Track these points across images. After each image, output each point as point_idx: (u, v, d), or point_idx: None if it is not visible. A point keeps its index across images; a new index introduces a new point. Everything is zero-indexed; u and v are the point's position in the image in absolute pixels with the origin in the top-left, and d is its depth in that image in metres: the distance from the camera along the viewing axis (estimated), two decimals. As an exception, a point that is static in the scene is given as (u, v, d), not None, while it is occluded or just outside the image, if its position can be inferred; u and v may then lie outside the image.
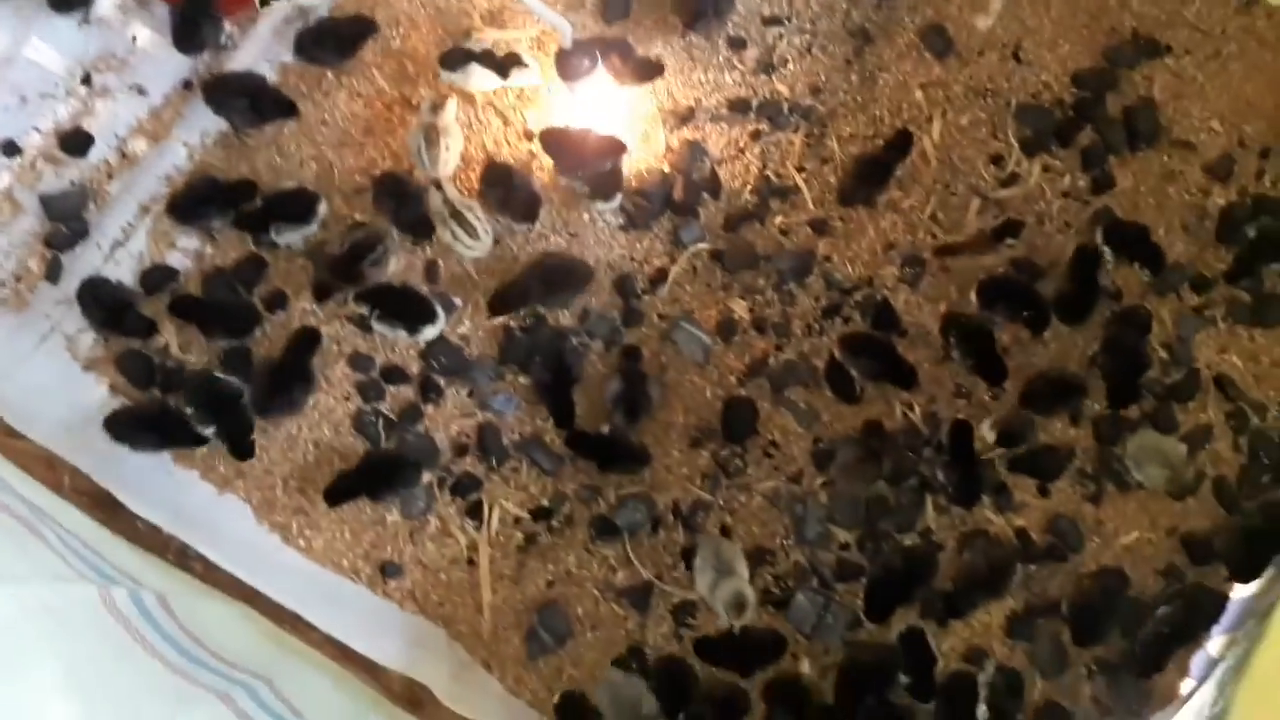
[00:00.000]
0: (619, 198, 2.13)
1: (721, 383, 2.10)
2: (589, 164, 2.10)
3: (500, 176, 2.09)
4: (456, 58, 2.11)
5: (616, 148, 2.10)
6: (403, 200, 2.08)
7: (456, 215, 2.07)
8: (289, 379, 2.02)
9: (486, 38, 2.18)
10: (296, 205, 2.08)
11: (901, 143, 2.14)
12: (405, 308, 2.04)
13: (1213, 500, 2.02)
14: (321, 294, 2.06)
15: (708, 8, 2.17)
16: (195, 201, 2.08)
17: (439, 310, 2.04)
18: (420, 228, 2.09)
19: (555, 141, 2.10)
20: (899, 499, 2.02)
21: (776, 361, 2.10)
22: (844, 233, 2.16)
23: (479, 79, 2.11)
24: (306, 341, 2.03)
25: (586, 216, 2.15)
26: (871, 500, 2.02)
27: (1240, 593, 1.95)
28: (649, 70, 2.15)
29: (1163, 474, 1.99)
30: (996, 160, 2.19)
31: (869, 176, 2.16)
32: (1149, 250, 2.10)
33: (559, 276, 2.08)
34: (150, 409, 2.02)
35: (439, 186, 2.08)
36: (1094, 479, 2.03)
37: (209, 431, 1.98)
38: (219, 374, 2.02)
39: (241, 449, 1.98)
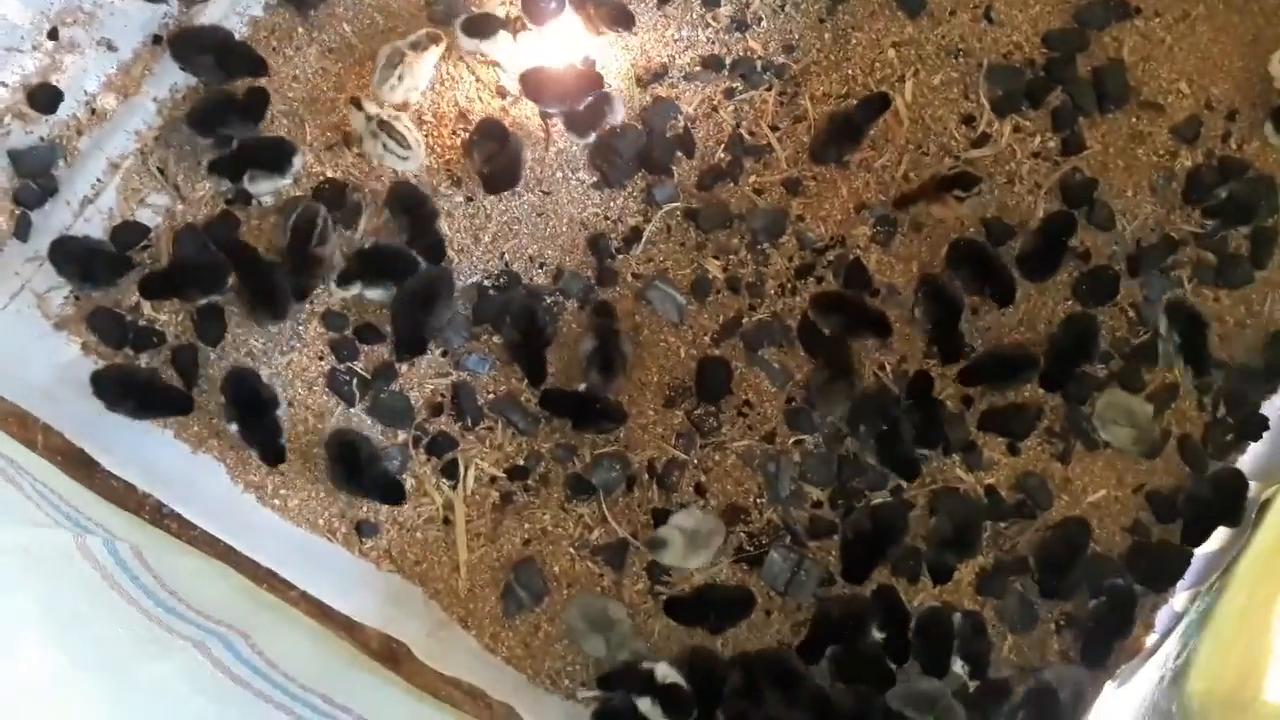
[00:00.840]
0: (594, 135, 2.06)
1: (696, 342, 2.05)
2: (568, 98, 2.02)
3: (494, 131, 2.02)
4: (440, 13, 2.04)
5: (594, 80, 2.03)
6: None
7: (385, 126, 1.99)
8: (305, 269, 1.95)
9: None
10: (274, 154, 1.99)
11: (878, 103, 2.08)
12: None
13: (1178, 459, 2.00)
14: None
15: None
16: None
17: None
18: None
19: (534, 80, 2.02)
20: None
21: (750, 321, 2.05)
22: (817, 192, 2.11)
23: (465, 41, 2.04)
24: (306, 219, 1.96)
25: (560, 174, 2.09)
26: (843, 458, 1.98)
27: (1204, 548, 1.94)
28: (621, 18, 2.07)
29: (1129, 433, 1.96)
30: (968, 120, 2.14)
31: (842, 135, 2.10)
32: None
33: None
34: (139, 375, 1.95)
35: (359, 105, 2.00)
36: (1062, 437, 2.01)
37: (232, 428, 1.92)
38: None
39: (272, 454, 1.92)
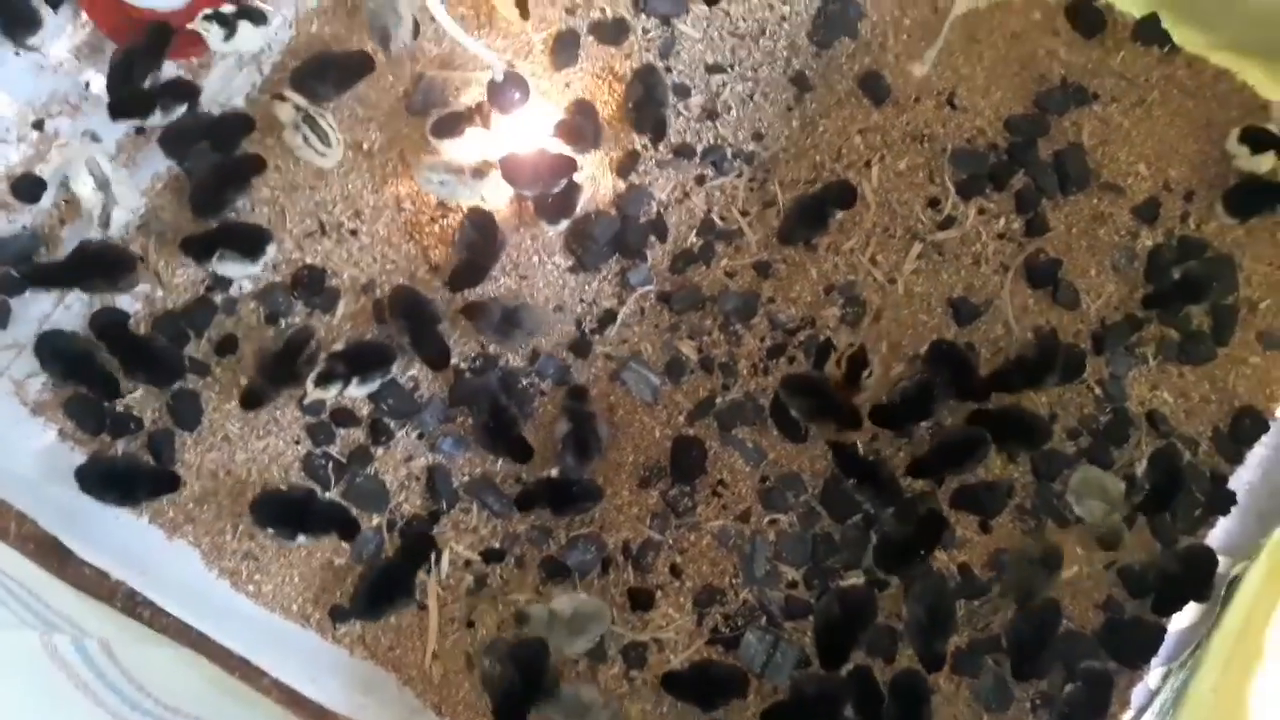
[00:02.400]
0: (566, 224, 2.00)
1: (670, 422, 1.97)
2: (544, 181, 1.96)
3: (482, 222, 1.96)
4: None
5: (568, 165, 1.96)
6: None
7: (310, 120, 1.92)
8: (285, 378, 1.86)
9: (438, 77, 2.05)
10: (249, 239, 1.91)
11: (844, 191, 2.03)
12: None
13: (1149, 534, 1.92)
14: (252, 402, 1.87)
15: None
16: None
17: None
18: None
19: (510, 166, 1.95)
20: (844, 536, 1.90)
21: (724, 401, 1.98)
22: (787, 275, 2.05)
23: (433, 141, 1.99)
24: (299, 341, 1.88)
25: (537, 259, 2.03)
26: (818, 538, 1.90)
27: (1177, 624, 1.86)
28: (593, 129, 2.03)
29: (1101, 507, 1.89)
30: (933, 203, 2.09)
31: (810, 220, 2.05)
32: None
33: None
34: (118, 463, 1.86)
35: (283, 97, 1.93)
36: (1034, 514, 1.93)
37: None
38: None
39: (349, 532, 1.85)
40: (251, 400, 1.87)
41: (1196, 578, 1.86)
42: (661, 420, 1.97)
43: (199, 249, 1.91)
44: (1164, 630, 1.86)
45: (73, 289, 1.90)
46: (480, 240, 1.95)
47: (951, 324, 2.03)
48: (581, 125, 2.01)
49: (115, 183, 1.89)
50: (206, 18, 1.92)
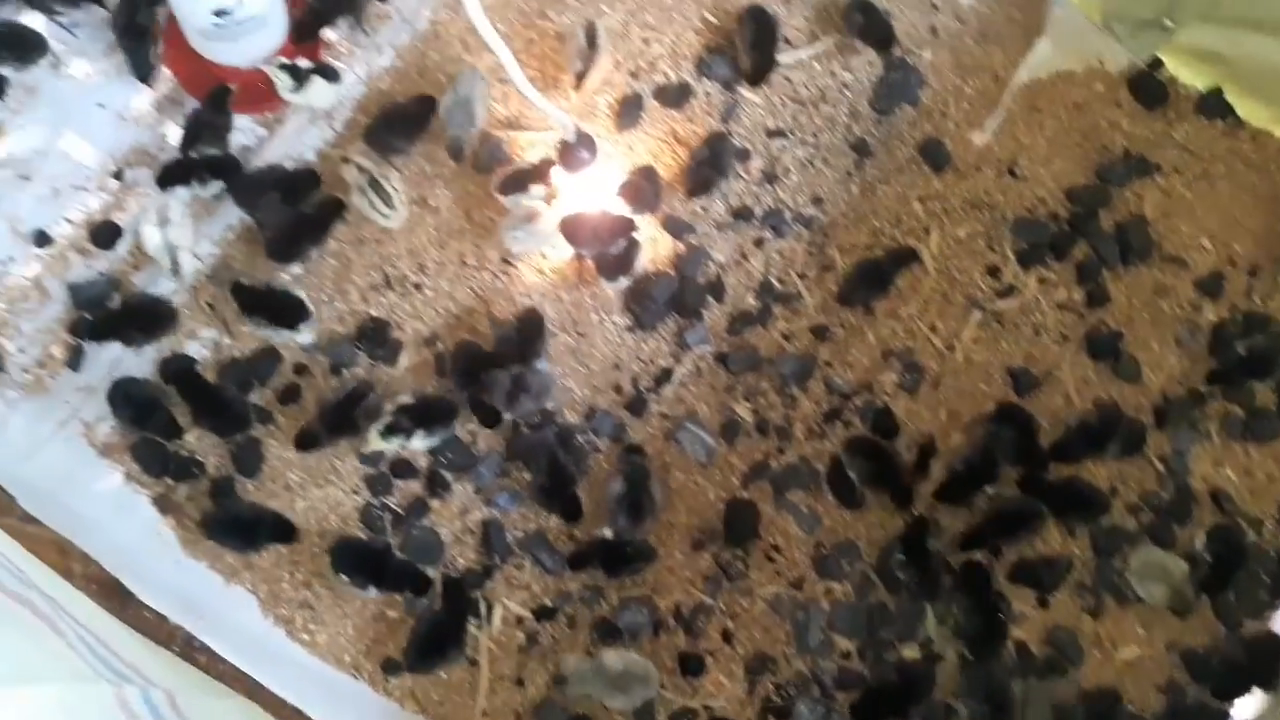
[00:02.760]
0: (625, 282, 1.99)
1: (724, 484, 1.95)
2: (603, 241, 1.96)
3: (529, 323, 1.96)
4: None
5: (627, 226, 1.97)
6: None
7: (374, 184, 1.94)
8: (342, 427, 1.87)
9: (504, 136, 2.07)
10: (286, 311, 1.92)
11: (906, 256, 2.03)
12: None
13: (1212, 616, 1.87)
14: (306, 444, 1.89)
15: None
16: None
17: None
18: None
19: (571, 225, 1.96)
20: (900, 607, 1.86)
21: (779, 464, 1.95)
22: (844, 339, 2.04)
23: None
24: (360, 393, 1.89)
25: (595, 317, 2.03)
26: (873, 609, 1.86)
27: (1241, 712, 1.80)
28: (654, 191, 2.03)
29: (1164, 590, 1.84)
30: (993, 271, 2.07)
31: (869, 284, 2.04)
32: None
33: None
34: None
35: (348, 159, 1.95)
36: (1093, 591, 1.87)
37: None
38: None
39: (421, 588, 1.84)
40: (306, 442, 1.88)
41: (1262, 664, 1.79)
42: (716, 482, 1.95)
43: (245, 300, 1.94)
44: (1228, 717, 1.79)
45: (114, 341, 1.92)
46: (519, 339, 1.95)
47: (1011, 393, 1.99)
48: (643, 187, 2.02)
49: (184, 234, 1.91)
50: (280, 66, 1.96)
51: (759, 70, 2.08)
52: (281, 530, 1.85)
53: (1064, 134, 2.15)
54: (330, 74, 2.00)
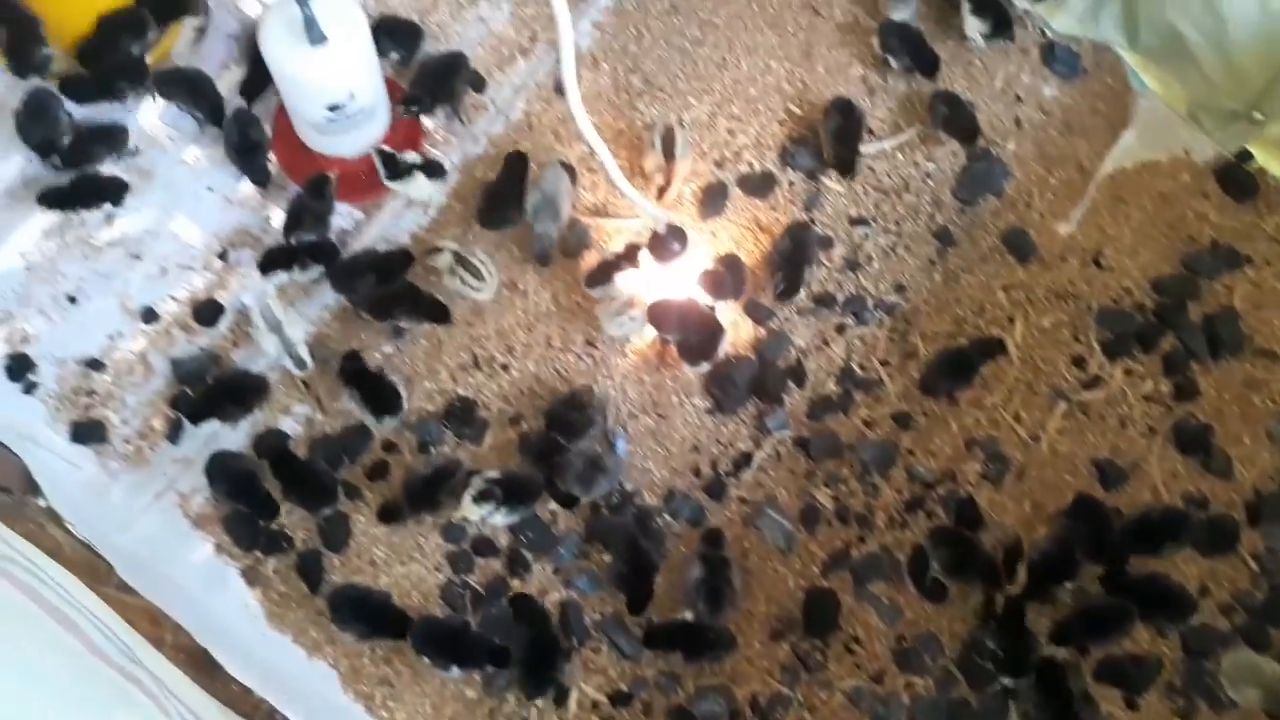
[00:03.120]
0: (707, 366, 2.01)
1: (804, 572, 1.93)
2: (688, 331, 1.99)
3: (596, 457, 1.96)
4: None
5: (714, 324, 1.99)
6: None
7: (463, 262, 1.98)
8: (424, 502, 1.91)
9: (591, 223, 2.12)
10: (382, 397, 1.96)
11: (991, 346, 2.02)
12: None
13: (1311, 722, 1.79)
14: (389, 517, 1.93)
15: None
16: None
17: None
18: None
19: (657, 311, 1.98)
20: (983, 704, 1.82)
21: (859, 553, 1.93)
22: (927, 427, 2.02)
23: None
24: (447, 471, 1.92)
25: (676, 399, 2.04)
26: (955, 705, 1.82)
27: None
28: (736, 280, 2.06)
29: (1258, 694, 1.77)
30: (1079, 362, 2.05)
31: (953, 372, 2.03)
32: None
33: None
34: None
35: (439, 248, 2.01)
36: (1184, 694, 1.81)
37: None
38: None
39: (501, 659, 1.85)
40: (388, 515, 1.92)
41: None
42: (795, 570, 1.94)
43: (348, 376, 1.99)
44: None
45: (211, 416, 1.97)
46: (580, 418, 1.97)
47: (1097, 486, 1.95)
48: (726, 276, 2.04)
49: (286, 322, 1.97)
50: (381, 154, 2.02)
51: (844, 161, 2.10)
52: (399, 625, 1.87)
53: (1150, 225, 2.14)
54: (436, 171, 2.06)
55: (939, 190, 2.15)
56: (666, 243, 2.01)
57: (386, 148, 2.03)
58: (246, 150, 2.08)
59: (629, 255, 2.02)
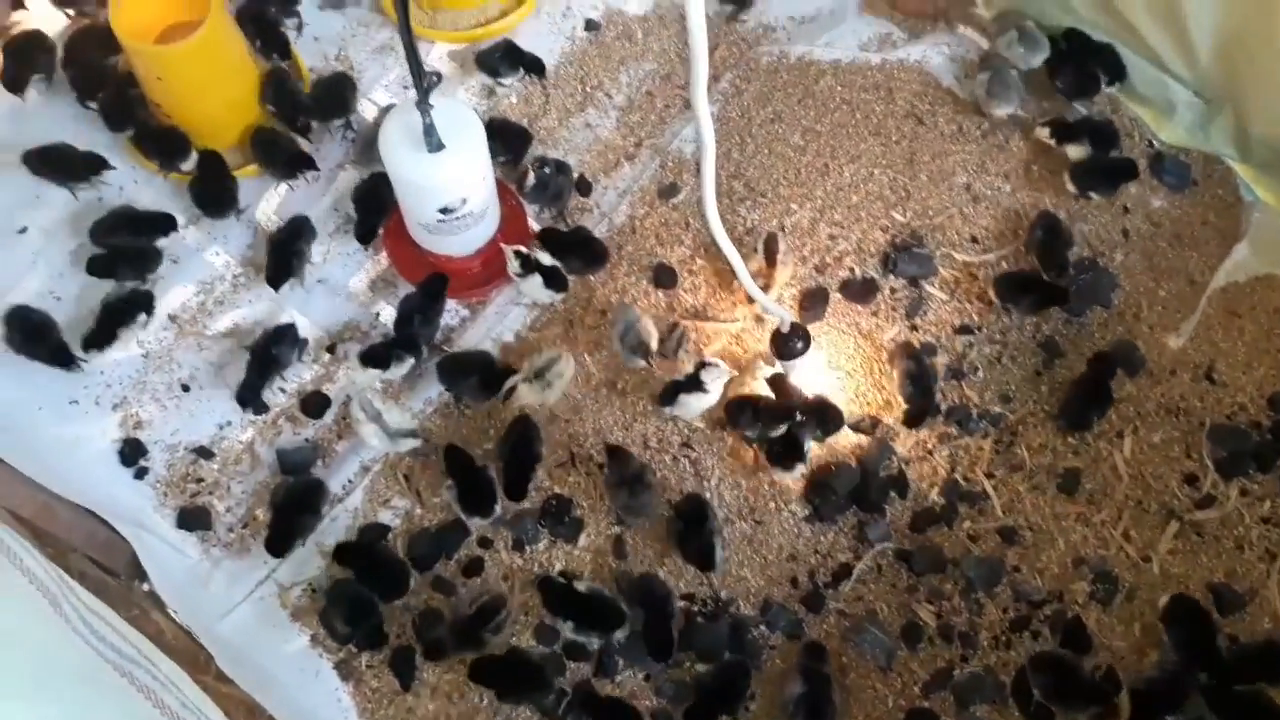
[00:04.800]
0: (802, 468, 1.97)
1: (904, 692, 1.86)
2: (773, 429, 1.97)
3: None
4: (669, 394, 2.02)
5: (790, 411, 1.98)
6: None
7: (540, 373, 1.98)
8: (468, 641, 1.88)
9: (690, 326, 2.11)
10: (480, 493, 1.95)
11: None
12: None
13: None
14: (434, 654, 1.89)
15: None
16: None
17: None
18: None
19: (738, 411, 1.98)
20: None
21: (962, 673, 1.86)
22: (1034, 543, 1.95)
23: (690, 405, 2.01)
24: (491, 609, 1.89)
25: (773, 505, 2.01)
26: (1065, 840, 1.73)
27: None
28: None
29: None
30: (1191, 480, 1.97)
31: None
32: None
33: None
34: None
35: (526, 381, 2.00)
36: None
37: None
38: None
39: None
40: (432, 652, 1.89)
41: None
42: (895, 689, 1.87)
43: (451, 465, 1.98)
44: None
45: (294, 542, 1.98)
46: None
47: (1212, 611, 1.86)
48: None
49: (384, 410, 1.98)
50: (517, 253, 2.05)
51: (1057, 285, 2.08)
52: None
53: (1265, 339, 2.07)
54: (558, 281, 2.08)
55: (1045, 300, 2.11)
56: (790, 340, 2.00)
57: (522, 247, 2.06)
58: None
59: (696, 380, 1.98)
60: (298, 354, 2.09)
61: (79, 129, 2.25)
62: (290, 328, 2.09)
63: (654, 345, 2.03)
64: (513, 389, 1.99)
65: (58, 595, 1.35)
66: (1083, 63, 2.22)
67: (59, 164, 2.18)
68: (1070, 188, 2.17)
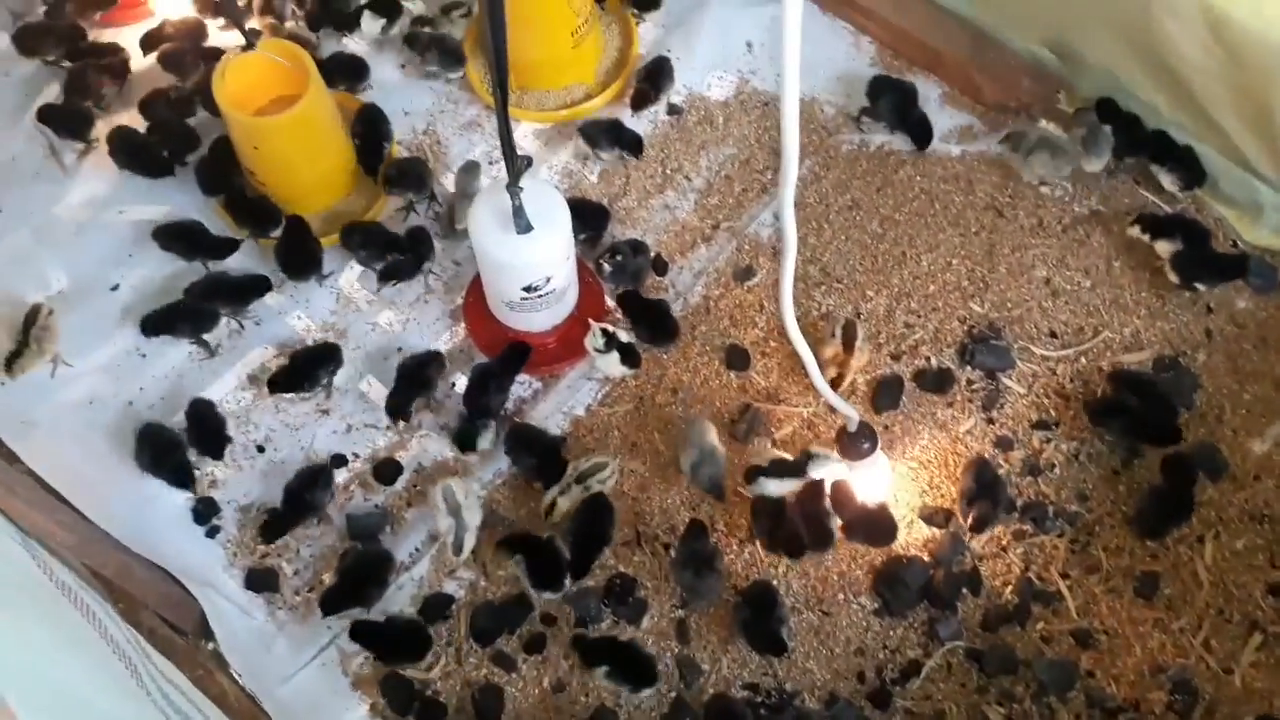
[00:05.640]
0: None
1: (975, 798, 1.82)
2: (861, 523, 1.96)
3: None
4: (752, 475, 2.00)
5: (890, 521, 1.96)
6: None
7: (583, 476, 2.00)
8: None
9: (763, 409, 2.11)
10: (547, 569, 1.94)
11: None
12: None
13: None
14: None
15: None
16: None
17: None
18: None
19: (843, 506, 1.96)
20: None
21: (1034, 782, 1.81)
22: (1109, 648, 1.90)
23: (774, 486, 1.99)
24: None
25: (841, 596, 1.98)
26: None
27: None
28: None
29: None
30: (1275, 590, 1.91)
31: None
32: None
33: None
34: None
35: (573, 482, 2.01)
36: None
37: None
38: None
39: None
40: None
41: None
42: (966, 794, 1.82)
43: (511, 547, 1.98)
44: None
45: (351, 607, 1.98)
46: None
47: (1301, 731, 1.80)
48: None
49: (465, 506, 1.98)
50: (603, 330, 2.08)
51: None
52: None
53: (1354, 453, 2.02)
54: (634, 358, 2.11)
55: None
56: (857, 441, 1.98)
57: (609, 325, 2.09)
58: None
59: (775, 468, 1.98)
60: (442, 376, 2.15)
61: (167, 191, 2.35)
62: (437, 354, 2.16)
63: (725, 481, 2.01)
64: (553, 504, 2.00)
65: (135, 661, 1.36)
66: (1163, 163, 2.22)
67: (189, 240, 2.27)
68: (1172, 277, 2.14)
